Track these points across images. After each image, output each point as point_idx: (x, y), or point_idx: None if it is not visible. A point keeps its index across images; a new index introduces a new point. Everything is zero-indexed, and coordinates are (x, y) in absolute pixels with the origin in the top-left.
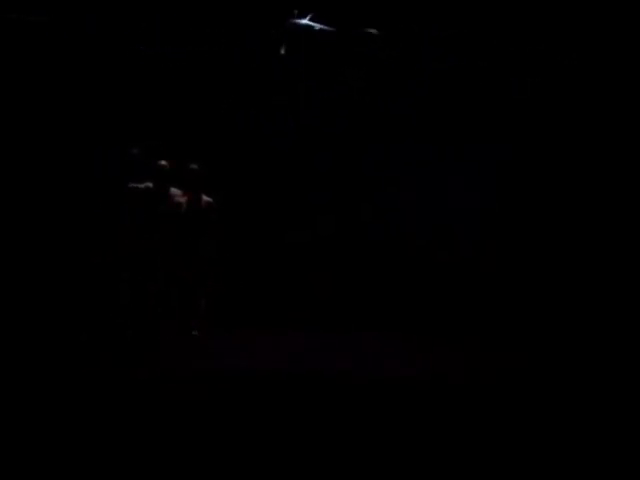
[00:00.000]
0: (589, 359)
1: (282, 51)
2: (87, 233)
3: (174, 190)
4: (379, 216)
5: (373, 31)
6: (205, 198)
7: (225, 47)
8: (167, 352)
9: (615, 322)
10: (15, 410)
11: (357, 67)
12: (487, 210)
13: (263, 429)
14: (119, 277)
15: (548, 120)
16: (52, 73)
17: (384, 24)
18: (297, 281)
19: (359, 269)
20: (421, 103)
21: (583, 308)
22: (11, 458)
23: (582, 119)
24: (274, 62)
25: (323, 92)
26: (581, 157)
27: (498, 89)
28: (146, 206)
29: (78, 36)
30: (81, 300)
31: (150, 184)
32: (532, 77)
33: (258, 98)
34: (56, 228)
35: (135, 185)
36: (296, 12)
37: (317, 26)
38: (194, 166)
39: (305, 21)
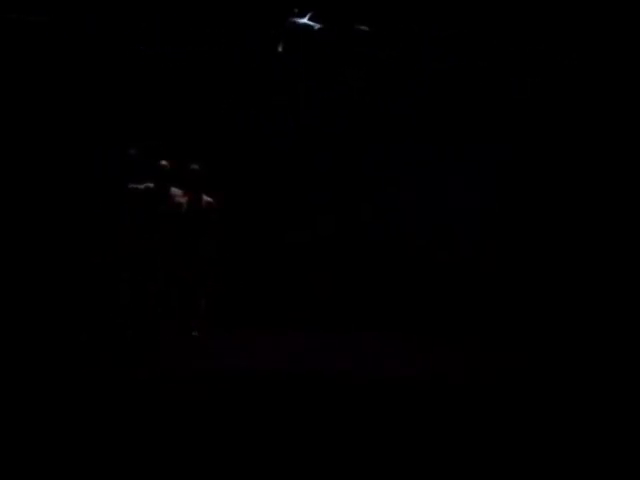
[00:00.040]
0: (589, 359)
1: (279, 48)
2: (87, 233)
3: (175, 190)
4: (379, 216)
5: (363, 28)
6: (205, 198)
7: (225, 47)
8: (167, 352)
9: (615, 321)
10: (15, 410)
11: (357, 67)
12: (487, 210)
13: (263, 429)
14: (119, 277)
15: (548, 120)
16: (52, 73)
17: (384, 24)
18: (297, 281)
19: (359, 269)
20: (421, 103)
21: (583, 307)
22: (11, 458)
23: (582, 119)
24: (274, 62)
25: (323, 92)
26: (581, 157)
27: (498, 89)
28: (146, 206)
29: (78, 36)
30: (81, 300)
31: (150, 184)
32: (532, 77)
33: (258, 98)
34: (56, 228)
35: (135, 185)
36: (296, 11)
37: (317, 25)
38: (195, 166)
39: (304, 20)
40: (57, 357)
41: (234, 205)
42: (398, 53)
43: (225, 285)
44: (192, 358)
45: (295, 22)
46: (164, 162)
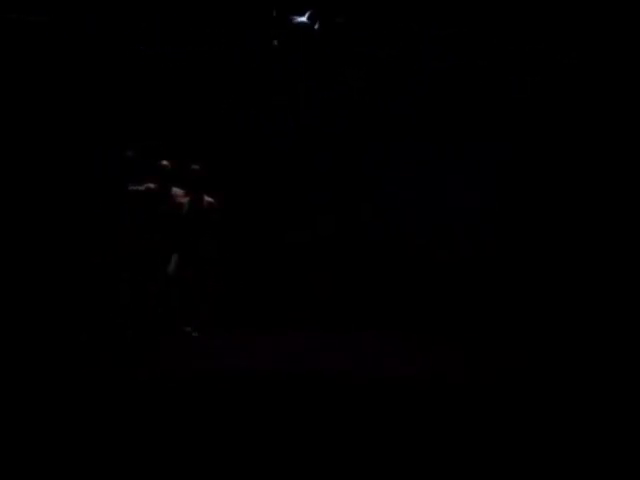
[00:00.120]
0: (589, 358)
1: (275, 42)
2: (88, 233)
3: (176, 190)
4: (378, 215)
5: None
6: (206, 198)
7: (225, 47)
8: (167, 352)
9: (615, 321)
10: (15, 410)
11: (356, 66)
12: (487, 209)
13: (263, 429)
14: (119, 277)
15: (548, 119)
16: (52, 74)
17: (384, 23)
18: (297, 281)
19: (359, 269)
20: (421, 102)
21: (583, 307)
22: (11, 458)
23: (582, 119)
24: (274, 62)
25: (323, 91)
26: (581, 156)
27: (498, 89)
28: (147, 206)
29: (78, 36)
30: (81, 300)
31: (151, 184)
32: (532, 77)
33: (258, 98)
34: (57, 228)
35: (136, 185)
36: (294, 17)
37: (316, 25)
38: (195, 166)
39: (304, 19)
40: (57, 357)
41: (235, 205)
42: (398, 52)
43: (225, 285)
44: (192, 358)
45: (295, 21)
46: (165, 162)
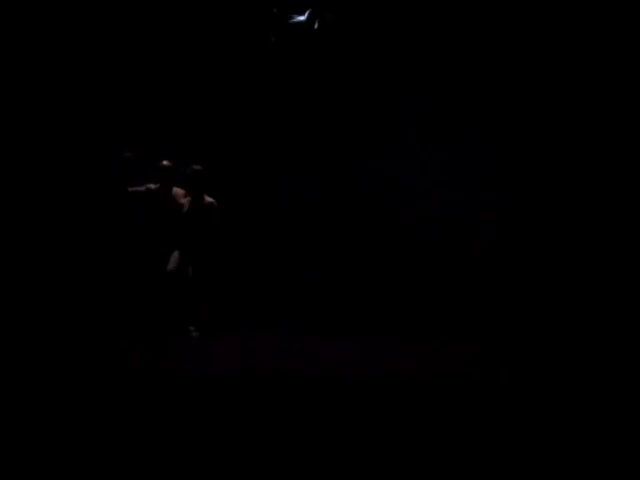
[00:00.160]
0: (590, 362)
1: (272, 39)
2: (89, 233)
3: (176, 190)
4: (379, 215)
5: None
6: (207, 198)
7: (225, 47)
8: (167, 352)
9: (616, 322)
10: (15, 410)
11: (356, 64)
12: (488, 209)
13: (262, 429)
14: (121, 277)
15: (548, 119)
16: (52, 74)
17: (383, 23)
18: (297, 281)
19: (359, 269)
20: (421, 102)
21: (583, 308)
22: (11, 458)
23: (582, 118)
24: (274, 61)
25: (322, 91)
26: (581, 156)
27: (498, 88)
28: (148, 207)
29: (78, 36)
30: (82, 300)
31: (152, 185)
32: (532, 77)
33: (258, 98)
34: (58, 229)
35: (137, 187)
36: (294, 17)
37: (316, 24)
38: (196, 166)
39: (303, 17)
40: (57, 357)
41: (235, 205)
42: (397, 52)
43: (226, 285)
44: (192, 358)
45: (294, 20)
46: (166, 162)
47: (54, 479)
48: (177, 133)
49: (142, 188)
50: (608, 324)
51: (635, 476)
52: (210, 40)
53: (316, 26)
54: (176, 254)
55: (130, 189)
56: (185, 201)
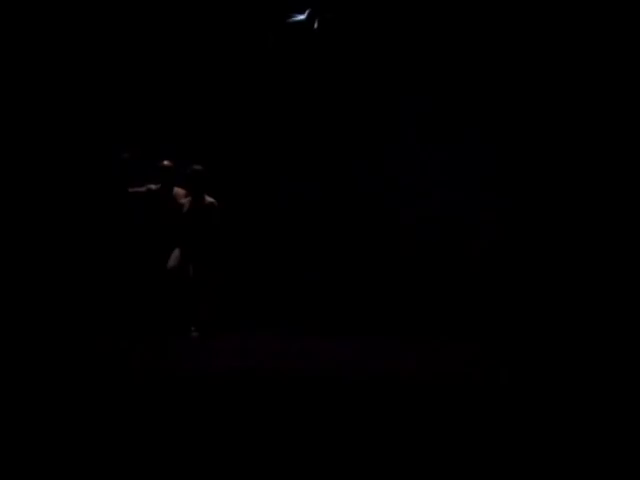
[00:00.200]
0: (590, 362)
1: (272, 39)
2: (89, 234)
3: (177, 190)
4: (379, 215)
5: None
6: (208, 198)
7: (226, 47)
8: (167, 352)
9: (619, 325)
10: (16, 410)
11: (356, 63)
12: (486, 209)
13: (262, 429)
14: (121, 277)
15: (548, 119)
16: (52, 75)
17: (383, 23)
18: (297, 281)
19: (359, 269)
20: (421, 102)
21: (583, 308)
22: (11, 458)
23: (582, 118)
24: (273, 61)
25: (322, 90)
26: (581, 156)
27: (498, 88)
28: (150, 207)
29: (78, 37)
30: (82, 300)
31: (153, 185)
32: (532, 77)
33: (258, 98)
34: (58, 229)
35: (137, 187)
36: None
37: (315, 23)
38: (197, 166)
39: (303, 17)
40: (58, 357)
41: (235, 205)
42: (397, 51)
43: (226, 285)
44: (193, 358)
45: (294, 20)
46: (167, 162)
47: (54, 479)
48: (177, 133)
49: (143, 189)
50: (608, 324)
51: (635, 476)
52: (211, 40)
53: (316, 26)
54: (177, 252)
55: (130, 190)
56: (185, 201)
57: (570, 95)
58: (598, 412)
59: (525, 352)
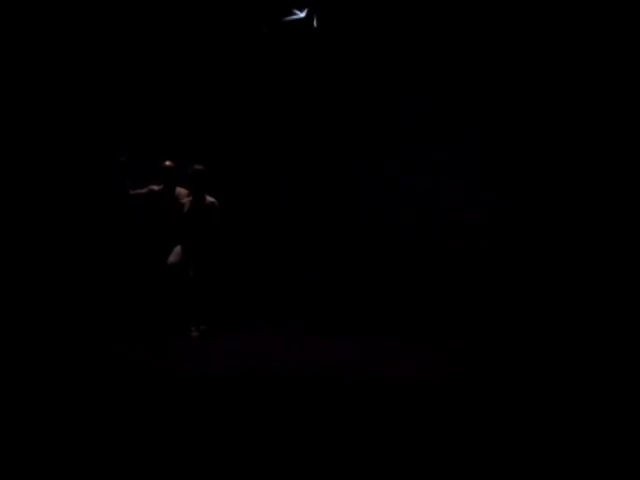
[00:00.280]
0: (591, 362)
1: (265, 30)
2: (91, 234)
3: (179, 190)
4: (378, 215)
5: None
6: (209, 198)
7: (226, 47)
8: (167, 352)
9: (619, 325)
10: (16, 411)
11: (356, 63)
12: (486, 209)
13: (262, 429)
14: (121, 277)
15: (548, 119)
16: (52, 76)
17: (383, 23)
18: (297, 281)
19: (359, 269)
20: (421, 102)
21: (583, 307)
22: (11, 458)
23: (582, 118)
24: (274, 61)
25: (322, 90)
26: (581, 156)
27: (498, 89)
28: (152, 207)
29: (78, 37)
30: (83, 300)
31: (155, 186)
32: (532, 77)
33: (258, 97)
34: (59, 230)
35: (138, 189)
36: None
37: (315, 22)
38: (198, 166)
39: (302, 15)
40: (58, 357)
41: (236, 205)
42: (397, 51)
43: (226, 285)
44: (193, 358)
45: (293, 18)
46: (168, 163)
47: (54, 479)
48: (177, 133)
49: (144, 190)
50: (608, 323)
51: (635, 476)
52: (211, 40)
53: (315, 24)
54: (178, 248)
55: (132, 192)
56: (186, 201)
57: (570, 95)
58: (598, 411)
59: (525, 352)
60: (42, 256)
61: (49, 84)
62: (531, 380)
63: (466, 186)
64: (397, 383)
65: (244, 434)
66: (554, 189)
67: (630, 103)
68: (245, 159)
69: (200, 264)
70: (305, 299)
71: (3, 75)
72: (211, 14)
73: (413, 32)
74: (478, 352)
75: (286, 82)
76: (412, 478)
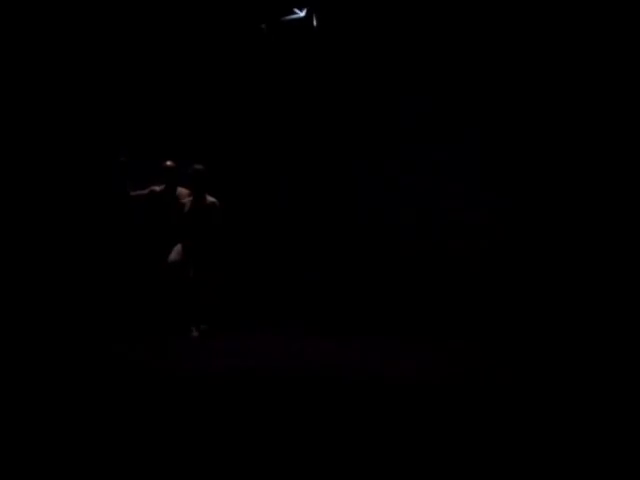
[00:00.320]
0: (591, 362)
1: (263, 26)
2: (93, 234)
3: (181, 190)
4: (378, 216)
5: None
6: (209, 198)
7: (226, 46)
8: (167, 352)
9: (619, 325)
10: (16, 411)
11: (356, 63)
12: (486, 209)
13: (262, 429)
14: (125, 277)
15: (549, 119)
16: (52, 76)
17: (383, 22)
18: (297, 281)
19: (358, 269)
20: (421, 102)
21: (583, 307)
22: (12, 458)
23: (582, 118)
24: (274, 60)
25: (322, 90)
26: (582, 156)
27: (498, 89)
28: (154, 208)
29: (78, 37)
30: (83, 300)
31: (157, 187)
32: (532, 77)
33: (258, 97)
34: (60, 231)
35: (139, 190)
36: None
37: (314, 22)
38: (198, 166)
39: (302, 14)
40: (58, 357)
41: (236, 205)
42: (397, 51)
43: (226, 285)
44: (193, 358)
45: (293, 17)
46: (170, 163)
47: (54, 479)
48: (177, 133)
49: (145, 191)
50: (608, 323)
51: (635, 476)
52: (211, 40)
53: (315, 24)
54: (179, 247)
55: (133, 193)
56: (187, 200)
57: (570, 95)
58: (598, 411)
59: (525, 352)
60: (42, 256)
61: (49, 84)
62: (531, 380)
63: (466, 186)
64: (397, 383)
65: (244, 434)
66: (554, 189)
67: (630, 103)
68: (245, 159)
69: (200, 264)
70: (305, 299)
71: (3, 75)
72: (211, 14)
73: (413, 32)
74: (478, 352)
75: (286, 82)
76: (412, 478)
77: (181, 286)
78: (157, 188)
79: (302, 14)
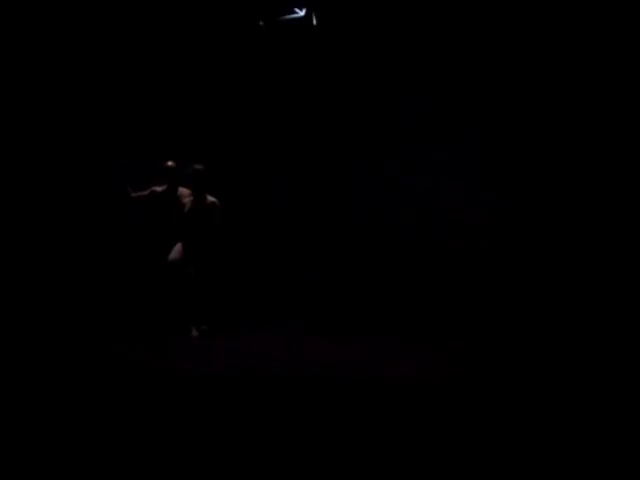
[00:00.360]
0: (591, 362)
1: (260, 23)
2: (93, 234)
3: (182, 190)
4: (378, 216)
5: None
6: (210, 198)
7: (226, 46)
8: (167, 352)
9: (619, 325)
10: (16, 411)
11: (356, 63)
12: (486, 209)
13: (262, 429)
14: (125, 277)
15: (549, 119)
16: (52, 77)
17: (383, 22)
18: (297, 281)
19: (358, 269)
20: (421, 102)
21: (583, 307)
22: (12, 458)
23: (582, 118)
24: (274, 60)
25: (322, 90)
26: (582, 156)
27: (498, 88)
28: (155, 208)
29: (78, 38)
30: (83, 301)
31: (158, 187)
32: (532, 77)
33: (258, 97)
34: (60, 231)
35: (140, 191)
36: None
37: (314, 21)
38: (198, 166)
39: (302, 14)
40: (58, 357)
41: (236, 205)
42: (397, 51)
43: (226, 285)
44: (193, 358)
45: (292, 17)
46: (170, 163)
47: (54, 479)
48: (178, 133)
49: (146, 192)
50: (608, 323)
51: (635, 476)
52: (211, 40)
53: (314, 23)
54: (179, 246)
55: (134, 195)
56: (188, 200)
57: (570, 95)
58: (598, 412)
59: (525, 352)
60: (43, 256)
61: (49, 85)
62: (531, 380)
63: (466, 186)
64: (397, 383)
65: (244, 434)
66: (554, 189)
67: (630, 103)
68: (245, 159)
69: (201, 264)
70: (305, 299)
71: (3, 76)
72: (211, 15)
73: (413, 32)
74: (478, 352)
75: (286, 82)
76: (412, 478)
77: (181, 286)
78: (158, 188)
79: (302, 14)
